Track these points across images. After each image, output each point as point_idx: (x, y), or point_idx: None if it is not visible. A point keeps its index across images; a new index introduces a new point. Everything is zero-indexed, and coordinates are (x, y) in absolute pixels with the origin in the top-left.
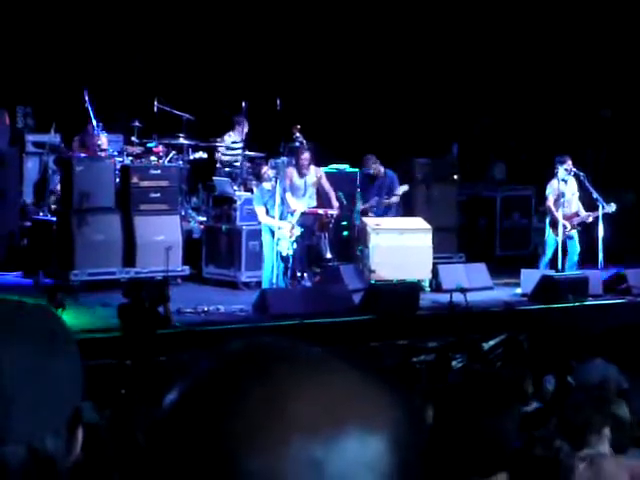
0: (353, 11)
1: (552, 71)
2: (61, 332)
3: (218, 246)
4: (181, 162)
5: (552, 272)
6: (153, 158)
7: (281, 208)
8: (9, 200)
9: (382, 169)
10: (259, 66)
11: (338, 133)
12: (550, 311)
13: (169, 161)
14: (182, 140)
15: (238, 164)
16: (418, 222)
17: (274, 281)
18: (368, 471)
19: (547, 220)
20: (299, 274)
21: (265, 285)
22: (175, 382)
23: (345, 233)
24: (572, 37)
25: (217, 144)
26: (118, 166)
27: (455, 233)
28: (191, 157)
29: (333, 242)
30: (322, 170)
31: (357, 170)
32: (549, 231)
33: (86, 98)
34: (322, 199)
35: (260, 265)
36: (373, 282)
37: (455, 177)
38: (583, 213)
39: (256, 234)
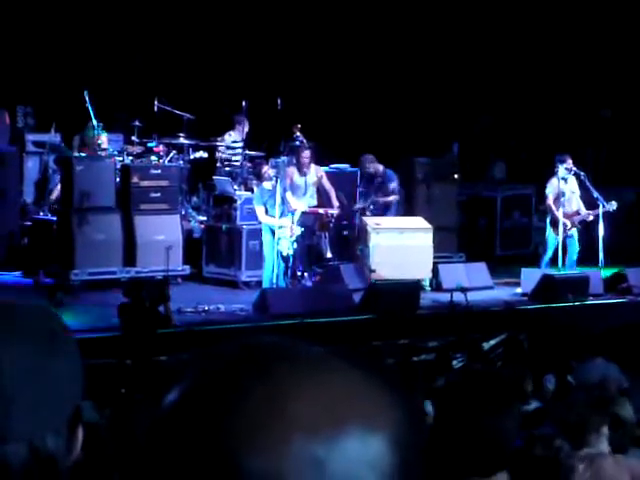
0: (353, 10)
1: (552, 70)
2: (61, 332)
3: (218, 245)
4: (181, 162)
5: (552, 271)
6: (153, 158)
7: (281, 207)
8: (9, 200)
9: (380, 168)
10: (259, 65)
11: (338, 133)
12: (550, 310)
13: (169, 161)
14: (182, 140)
15: (239, 163)
16: (418, 221)
17: (274, 280)
18: (369, 471)
19: (547, 219)
20: (299, 273)
21: (265, 284)
22: (176, 381)
23: (345, 233)
24: (572, 36)
25: (217, 143)
26: (118, 166)
27: (455, 232)
28: (191, 157)
29: (333, 241)
30: (322, 169)
31: (358, 170)
32: (549, 230)
33: (86, 98)
34: (322, 198)
35: (260, 264)
36: (373, 281)
37: (455, 176)
38: (583, 212)
39: (256, 233)
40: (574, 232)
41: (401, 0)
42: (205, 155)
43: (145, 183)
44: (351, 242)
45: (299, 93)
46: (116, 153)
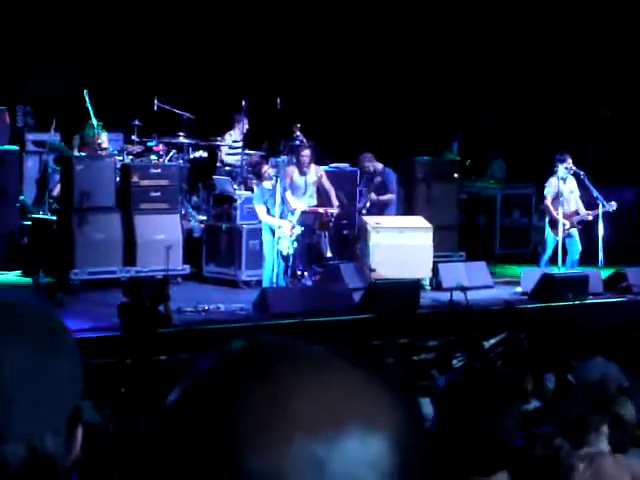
0: (353, 10)
1: (552, 69)
2: (61, 331)
3: (218, 245)
4: (181, 161)
5: (552, 271)
6: (153, 157)
7: (281, 207)
8: (9, 199)
9: (379, 166)
10: (259, 65)
11: (338, 132)
12: (550, 310)
13: (169, 160)
14: (182, 139)
15: (239, 163)
16: (418, 221)
17: (274, 280)
18: (369, 471)
19: (546, 219)
20: (299, 273)
21: (265, 284)
22: (177, 381)
23: (345, 232)
24: (572, 36)
25: (218, 143)
26: (118, 165)
27: (456, 231)
28: (191, 156)
29: (333, 241)
30: (322, 169)
31: (357, 169)
32: (548, 230)
33: (86, 97)
34: (322, 198)
35: (260, 264)
36: (373, 281)
37: (456, 175)
38: (582, 212)
39: (256, 233)
40: (574, 232)
41: (401, 0)
42: (205, 154)
43: (145, 182)
44: (351, 241)
45: (299, 92)
46: (116, 152)
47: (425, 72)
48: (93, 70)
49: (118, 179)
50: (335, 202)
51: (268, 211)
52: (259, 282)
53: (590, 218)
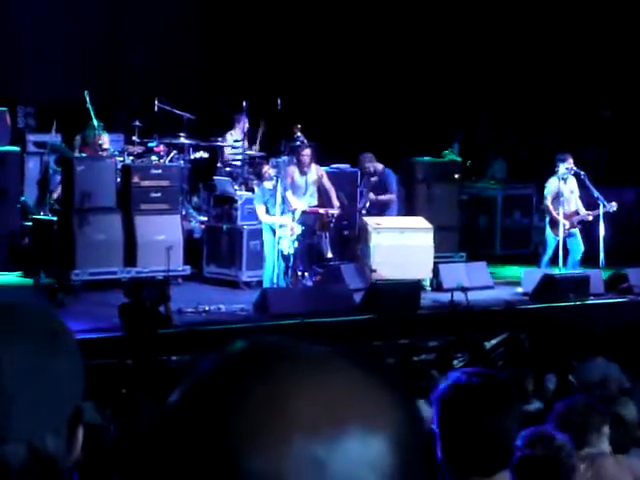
0: (353, 10)
1: (553, 69)
2: (62, 332)
3: (219, 246)
4: (182, 162)
5: (553, 271)
6: (154, 158)
7: (282, 207)
8: (10, 200)
9: (380, 167)
10: (260, 66)
11: (339, 133)
12: (551, 310)
13: (170, 161)
14: (183, 140)
15: (240, 163)
16: (419, 221)
17: (275, 280)
18: (370, 471)
19: (547, 219)
20: (300, 273)
21: (266, 284)
22: (178, 382)
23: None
24: (572, 36)
25: (219, 144)
26: (119, 166)
27: (456, 232)
28: (192, 157)
29: (334, 241)
30: (323, 169)
31: (358, 170)
32: (548, 230)
33: (87, 98)
34: (323, 198)
35: (261, 264)
36: (374, 281)
37: (456, 176)
38: (583, 212)
39: (257, 233)
40: (576, 232)
41: (401, 0)
42: (206, 155)
43: (146, 183)
44: (352, 242)
45: (300, 93)
46: (117, 153)
47: (425, 72)
48: (94, 70)
49: (119, 180)
50: (336, 202)
51: (268, 211)
52: (260, 283)
53: (590, 218)
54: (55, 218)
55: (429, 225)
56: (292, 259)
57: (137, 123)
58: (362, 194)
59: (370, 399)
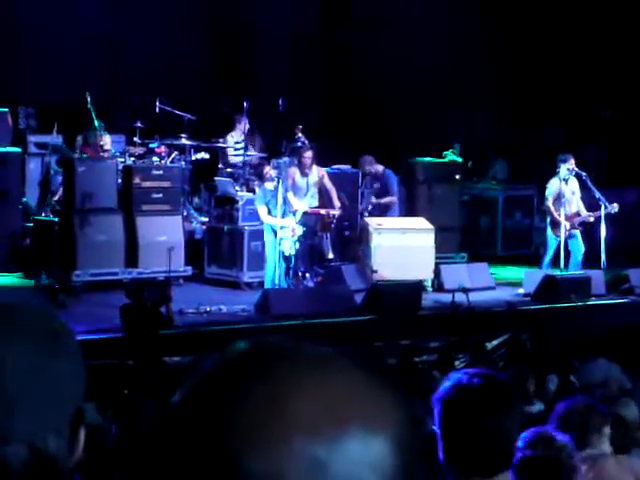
0: (354, 11)
1: (554, 69)
2: (63, 333)
3: (220, 246)
4: (183, 162)
5: (554, 272)
6: (155, 159)
7: (283, 208)
8: (11, 201)
9: (380, 169)
10: (261, 66)
11: (340, 134)
12: (553, 311)
13: (171, 161)
14: (184, 140)
15: (241, 164)
16: (420, 222)
17: (276, 281)
18: (371, 472)
19: (548, 220)
20: (301, 274)
21: (267, 285)
22: (179, 382)
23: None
24: (574, 36)
25: (220, 144)
26: (120, 167)
27: (458, 233)
28: (193, 157)
29: (335, 242)
30: (324, 170)
31: (359, 171)
32: (549, 231)
33: (88, 99)
34: (324, 199)
35: (262, 265)
36: (375, 282)
37: (457, 177)
38: (584, 213)
39: (258, 234)
40: (577, 232)
41: (402, 0)
42: (207, 156)
43: (147, 184)
44: (353, 243)
45: (301, 94)
46: (118, 154)
47: (426, 73)
48: (95, 71)
49: (120, 181)
50: (337, 203)
51: (269, 212)
52: (261, 283)
53: (592, 220)
54: (56, 219)
55: (430, 226)
56: (293, 260)
57: (138, 124)
58: (363, 195)
59: (371, 400)
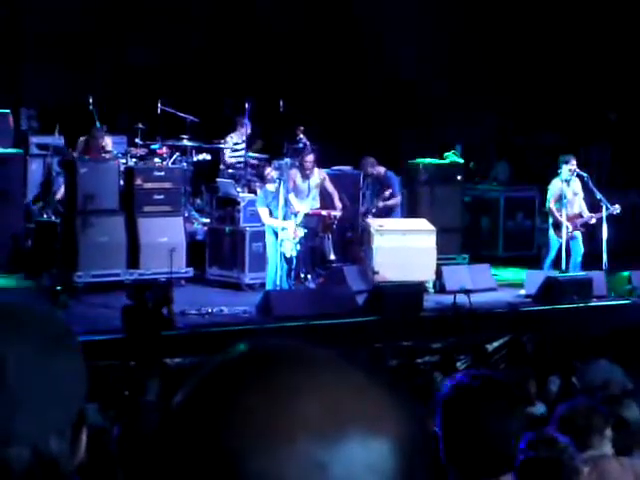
0: (354, 11)
1: (557, 71)
2: (65, 334)
3: (222, 248)
4: (185, 164)
5: (556, 273)
6: (157, 160)
7: (284, 209)
8: (13, 202)
9: (382, 170)
10: (262, 67)
11: (341, 135)
12: (554, 312)
13: (173, 163)
14: (186, 142)
15: (243, 165)
16: (422, 223)
17: (278, 282)
18: (372, 474)
19: (550, 221)
20: (303, 275)
21: (269, 286)
22: (181, 383)
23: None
24: (578, 37)
25: (221, 146)
26: (122, 168)
27: (459, 234)
28: (195, 159)
29: (337, 243)
30: (325, 172)
31: (360, 172)
32: (551, 232)
33: (90, 100)
34: (325, 200)
35: (264, 266)
36: (377, 283)
37: (459, 178)
38: (586, 214)
39: (260, 235)
40: (578, 234)
41: (402, 1)
42: (208, 157)
43: (149, 185)
44: (354, 244)
45: (302, 95)
46: (120, 155)
47: (427, 73)
48: (97, 72)
49: (122, 182)
50: (338, 204)
51: (271, 213)
52: (262, 285)
53: (594, 221)
54: (58, 220)
55: (432, 227)
56: (295, 261)
57: (140, 125)
58: (365, 196)
59: (372, 401)
